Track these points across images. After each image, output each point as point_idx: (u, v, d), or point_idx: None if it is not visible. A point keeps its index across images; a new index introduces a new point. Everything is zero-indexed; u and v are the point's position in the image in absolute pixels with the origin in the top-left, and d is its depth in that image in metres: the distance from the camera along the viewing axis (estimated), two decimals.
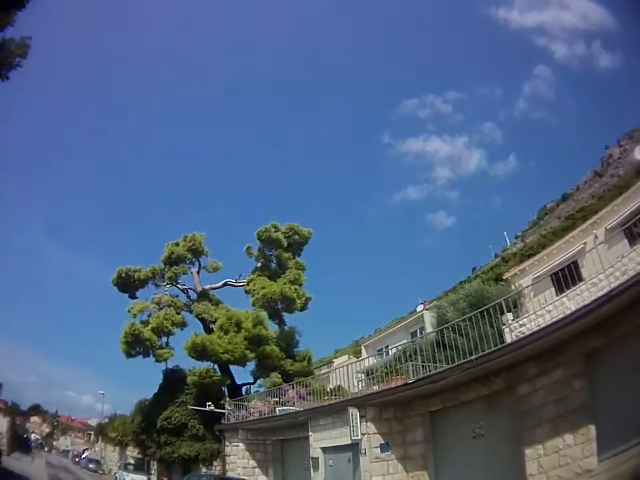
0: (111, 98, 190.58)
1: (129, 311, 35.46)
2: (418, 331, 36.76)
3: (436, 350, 20.20)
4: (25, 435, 65.46)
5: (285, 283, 35.54)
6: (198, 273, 39.32)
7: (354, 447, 18.02)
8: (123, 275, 37.71)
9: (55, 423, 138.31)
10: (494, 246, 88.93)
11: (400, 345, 25.77)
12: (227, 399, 30.68)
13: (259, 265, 38.06)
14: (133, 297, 37.86)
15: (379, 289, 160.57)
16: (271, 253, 38.02)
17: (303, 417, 21.77)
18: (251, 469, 25.83)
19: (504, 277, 31.64)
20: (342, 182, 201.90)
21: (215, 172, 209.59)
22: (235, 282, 39.83)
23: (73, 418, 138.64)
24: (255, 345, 32.21)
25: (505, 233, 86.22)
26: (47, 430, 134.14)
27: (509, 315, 18.27)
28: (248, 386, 36.20)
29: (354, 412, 18.06)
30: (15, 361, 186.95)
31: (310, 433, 20.84)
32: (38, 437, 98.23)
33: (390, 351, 34.11)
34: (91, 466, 56.55)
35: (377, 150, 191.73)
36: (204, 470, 30.89)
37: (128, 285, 38.13)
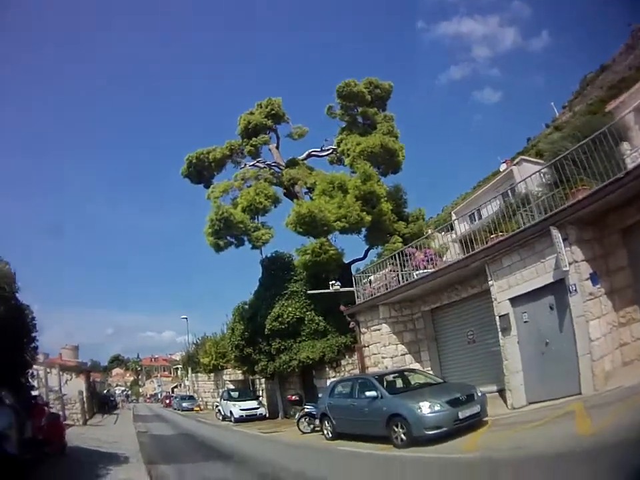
0: None
1: (209, 196, 29.76)
2: (509, 190, 31.73)
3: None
4: (105, 392, 61.92)
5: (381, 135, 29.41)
6: (277, 147, 33.96)
7: (556, 287, 13.46)
8: (194, 160, 32.12)
9: (139, 368, 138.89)
10: (543, 117, 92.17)
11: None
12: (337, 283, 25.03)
13: (345, 124, 32.09)
14: (208, 185, 32.11)
15: (443, 166, 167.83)
16: (354, 111, 31.83)
17: (477, 261, 16.00)
18: (400, 356, 20.49)
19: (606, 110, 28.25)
20: (387, 70, 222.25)
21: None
22: (320, 150, 34.30)
23: (155, 357, 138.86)
24: (369, 205, 26.21)
25: (552, 103, 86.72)
26: (131, 378, 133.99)
27: (625, 145, 15.53)
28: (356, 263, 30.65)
29: (557, 234, 12.84)
30: (88, 320, 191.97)
31: (491, 282, 15.42)
32: (123, 388, 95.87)
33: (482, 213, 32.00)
34: (184, 405, 52.88)
35: (413, 36, 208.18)
36: (332, 374, 25.50)
37: (201, 171, 32.64)
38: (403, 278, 20.75)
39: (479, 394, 13.88)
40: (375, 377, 15.91)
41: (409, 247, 22.05)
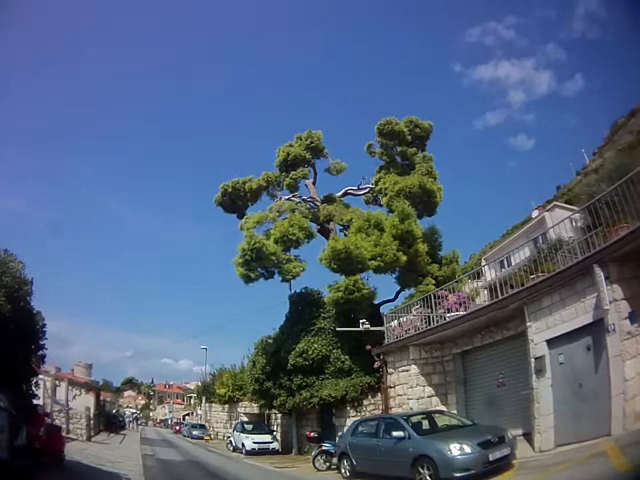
0: None
1: (242, 227, 29.42)
2: (540, 236, 34.21)
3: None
4: (114, 411, 62.04)
5: (420, 175, 29.43)
6: (314, 183, 33.74)
7: (594, 327, 13.07)
8: (229, 189, 32.46)
9: (151, 393, 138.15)
10: (574, 164, 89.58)
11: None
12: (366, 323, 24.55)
13: (384, 163, 32.14)
14: (242, 216, 32.00)
15: (474, 211, 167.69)
16: (393, 150, 31.97)
17: (516, 301, 15.65)
18: (426, 398, 20.14)
19: None
20: (424, 113, 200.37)
21: None
22: (357, 188, 34.09)
23: (170, 384, 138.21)
24: (405, 245, 25.91)
25: (583, 150, 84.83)
26: (142, 402, 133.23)
27: None
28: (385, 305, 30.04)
29: (599, 272, 12.48)
30: (108, 341, 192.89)
31: (529, 323, 15.08)
32: (133, 410, 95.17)
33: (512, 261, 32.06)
34: (195, 432, 52.27)
35: (451, 79, 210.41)
36: (353, 414, 25.00)
37: (235, 200, 32.87)
38: (434, 320, 20.47)
39: (510, 436, 13.57)
40: (403, 417, 15.52)
41: (441, 289, 21.86)
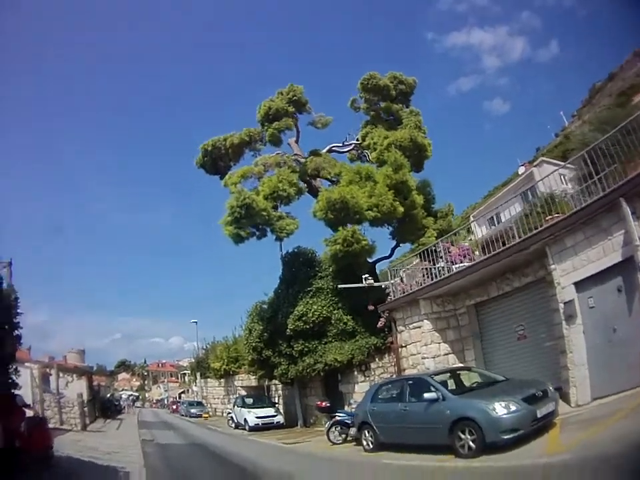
0: None
1: (227, 183, 27.66)
2: (529, 190, 30.83)
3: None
4: (109, 395, 59.59)
5: (411, 129, 27.75)
6: (297, 141, 31.75)
7: (624, 266, 11.98)
8: (210, 148, 30.21)
9: (145, 373, 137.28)
10: (552, 126, 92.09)
11: None
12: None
13: (369, 118, 30.47)
14: (224, 177, 29.86)
15: (453, 173, 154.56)
16: (378, 105, 30.23)
17: (538, 242, 14.16)
18: (443, 356, 18.49)
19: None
20: None
21: None
22: (342, 145, 32.09)
23: (163, 362, 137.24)
24: (400, 196, 24.22)
25: (562, 112, 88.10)
26: (137, 384, 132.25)
27: None
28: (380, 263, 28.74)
29: (626, 207, 11.62)
30: (96, 325, 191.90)
31: (553, 266, 13.73)
32: (130, 393, 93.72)
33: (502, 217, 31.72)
34: (192, 411, 50.56)
35: (423, 47, 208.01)
36: (361, 379, 23.51)
37: (217, 160, 30.71)
38: (438, 274, 19.02)
39: (552, 389, 12.14)
40: (430, 376, 13.74)
41: (441, 240, 20.53)
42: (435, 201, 29.91)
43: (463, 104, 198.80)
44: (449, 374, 14.69)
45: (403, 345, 20.17)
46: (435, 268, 19.50)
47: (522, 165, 57.09)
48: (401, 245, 28.42)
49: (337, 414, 19.04)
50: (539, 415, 10.79)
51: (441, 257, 19.79)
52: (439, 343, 18.51)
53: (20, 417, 12.50)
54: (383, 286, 23.19)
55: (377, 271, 27.83)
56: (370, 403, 15.33)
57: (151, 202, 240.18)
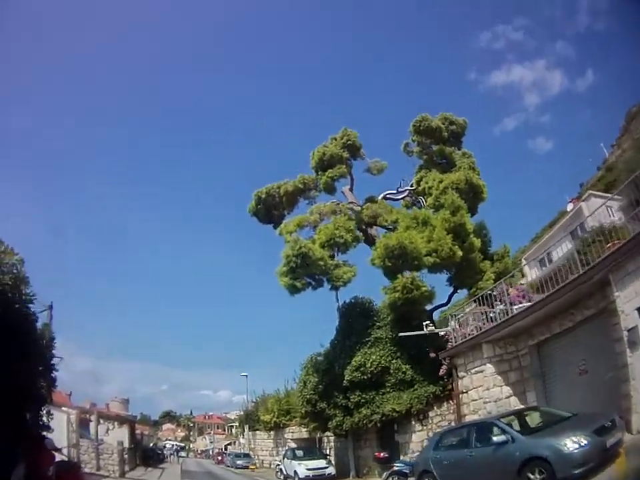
0: None
1: (282, 232, 27.70)
2: (578, 227, 32.96)
3: None
4: (152, 444, 60.09)
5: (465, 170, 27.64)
6: (351, 189, 31.66)
7: None
8: (264, 195, 30.70)
9: (191, 425, 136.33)
10: (593, 159, 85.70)
11: None
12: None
13: (422, 162, 30.48)
14: (278, 226, 30.12)
15: (500, 217, 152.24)
16: (430, 148, 30.18)
17: (601, 270, 13.64)
18: (504, 399, 17.87)
19: None
20: None
21: None
22: (396, 192, 32.09)
23: (210, 415, 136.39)
24: (458, 240, 23.89)
25: (602, 144, 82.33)
26: (182, 434, 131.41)
27: None
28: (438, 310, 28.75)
29: None
30: (144, 374, 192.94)
31: (617, 293, 13.12)
32: (174, 443, 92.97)
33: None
34: (239, 462, 49.55)
35: (467, 87, 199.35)
36: (418, 428, 22.76)
37: (270, 208, 31.15)
38: (496, 317, 18.83)
39: (618, 418, 11.75)
40: (498, 419, 13.33)
41: (499, 283, 20.33)
42: (491, 243, 29.45)
43: (507, 144, 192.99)
44: (513, 416, 14.23)
45: (464, 390, 19.73)
46: (493, 311, 19.23)
47: (570, 202, 54.93)
48: (458, 291, 28.05)
49: (395, 464, 18.64)
50: (607, 445, 10.46)
51: (499, 300, 19.43)
52: (501, 386, 18.01)
53: (48, 460, 12.20)
54: (442, 333, 22.66)
55: (434, 318, 27.34)
56: (433, 451, 14.94)
57: (210, 247, 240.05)
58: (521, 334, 18.06)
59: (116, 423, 37.22)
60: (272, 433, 47.27)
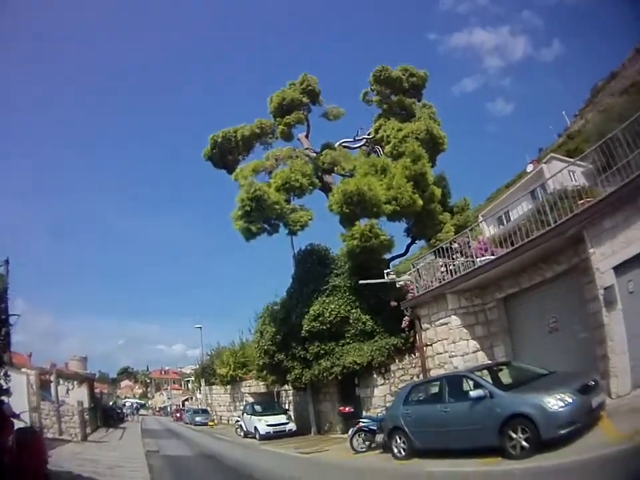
0: None
1: (237, 177, 26.08)
2: (538, 188, 32.54)
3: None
4: (112, 403, 58.53)
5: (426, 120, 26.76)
6: (307, 136, 30.51)
7: None
8: (219, 139, 28.98)
9: (148, 381, 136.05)
10: (554, 127, 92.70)
11: None
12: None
13: (382, 111, 29.22)
14: (232, 171, 28.27)
15: (457, 177, 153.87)
16: (390, 98, 28.97)
17: (574, 225, 13.15)
18: (472, 354, 17.32)
19: None
20: None
21: None
22: (353, 140, 30.98)
23: (166, 369, 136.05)
24: (419, 189, 23.03)
25: (564, 112, 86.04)
26: (140, 391, 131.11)
27: None
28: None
29: None
30: (100, 330, 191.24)
31: (591, 250, 12.66)
32: (134, 401, 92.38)
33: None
34: (198, 419, 48.80)
35: (426, 47, 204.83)
36: (380, 382, 22.00)
37: (226, 153, 29.45)
38: (460, 269, 18.28)
39: (599, 379, 11.33)
40: (473, 372, 12.66)
41: (460, 234, 20.14)
42: (450, 196, 28.80)
43: (466, 105, 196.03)
44: (486, 370, 13.34)
45: (429, 343, 19.00)
46: (454, 264, 18.72)
47: (530, 163, 55.75)
48: (416, 241, 27.54)
49: (360, 420, 17.73)
50: (593, 405, 10.08)
51: (461, 252, 19.03)
52: (467, 340, 17.34)
53: (7, 428, 10.58)
54: (402, 282, 21.87)
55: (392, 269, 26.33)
56: (402, 406, 14.05)
57: (154, 204, 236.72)
58: (488, 286, 17.40)
59: (75, 383, 35.68)
60: (229, 387, 46.39)
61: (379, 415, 17.51)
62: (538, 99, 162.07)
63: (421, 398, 13.92)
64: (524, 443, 9.88)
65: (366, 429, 16.99)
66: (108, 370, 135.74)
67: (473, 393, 11.28)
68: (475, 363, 16.32)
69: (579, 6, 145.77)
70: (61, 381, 33.03)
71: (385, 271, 20.93)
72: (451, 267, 18.77)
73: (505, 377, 13.07)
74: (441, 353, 18.17)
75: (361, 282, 21.97)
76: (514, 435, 10.08)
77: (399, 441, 13.82)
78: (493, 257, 16.69)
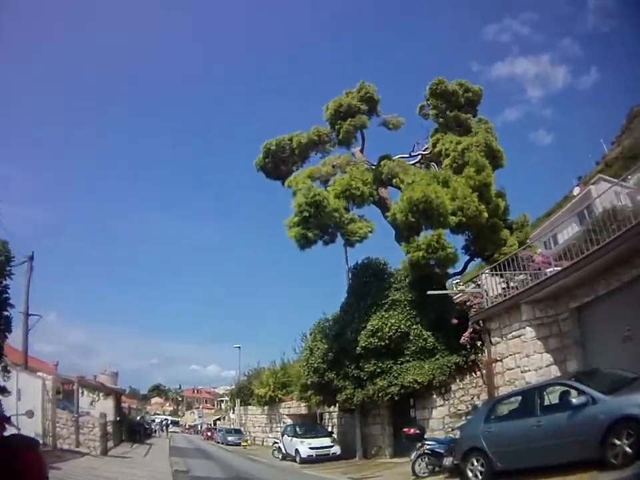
0: None
1: (291, 183, 24.96)
2: (585, 210, 32.67)
3: None
4: (139, 418, 57.50)
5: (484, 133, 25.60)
6: (362, 151, 28.95)
7: None
8: (273, 147, 27.85)
9: (179, 399, 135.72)
10: (592, 155, 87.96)
11: None
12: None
13: (437, 126, 27.74)
14: (285, 181, 27.26)
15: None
16: (446, 112, 27.47)
17: None
18: (545, 368, 15.81)
19: None
20: None
21: None
22: (409, 155, 29.34)
23: (198, 389, 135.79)
24: (482, 200, 21.73)
25: (602, 140, 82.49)
26: (170, 408, 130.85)
27: None
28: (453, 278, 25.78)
29: None
30: (134, 348, 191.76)
31: None
32: (164, 417, 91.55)
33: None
34: (230, 438, 47.23)
35: (469, 78, 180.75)
36: (439, 403, 20.53)
37: (279, 162, 28.29)
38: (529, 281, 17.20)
39: None
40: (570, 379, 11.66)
41: (521, 249, 19.55)
42: (509, 212, 27.00)
43: (508, 135, 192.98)
44: (574, 378, 11.89)
45: (499, 358, 17.64)
46: (514, 280, 18.08)
47: (577, 186, 54.81)
48: (475, 259, 25.86)
49: (426, 442, 16.17)
50: None
51: (524, 267, 17.96)
52: (542, 353, 15.95)
53: None
54: (467, 296, 20.80)
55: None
56: (484, 424, 12.63)
57: (200, 213, 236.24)
58: (561, 295, 16.00)
59: (101, 395, 34.48)
60: (266, 407, 45.12)
61: (447, 436, 16.25)
62: (577, 128, 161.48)
63: (506, 414, 12.58)
64: (627, 449, 8.82)
65: (431, 452, 15.58)
66: (139, 387, 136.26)
67: (575, 401, 10.11)
68: (548, 378, 14.89)
69: (614, 31, 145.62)
70: (86, 392, 31.89)
71: (454, 282, 19.59)
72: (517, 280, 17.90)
73: (599, 383, 11.32)
74: (511, 369, 16.84)
75: (429, 292, 20.64)
76: (617, 442, 9.04)
77: (475, 463, 12.38)
78: (568, 263, 15.38)
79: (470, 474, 12.41)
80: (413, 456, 16.19)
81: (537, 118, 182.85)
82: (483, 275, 19.73)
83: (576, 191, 51.04)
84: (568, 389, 10.96)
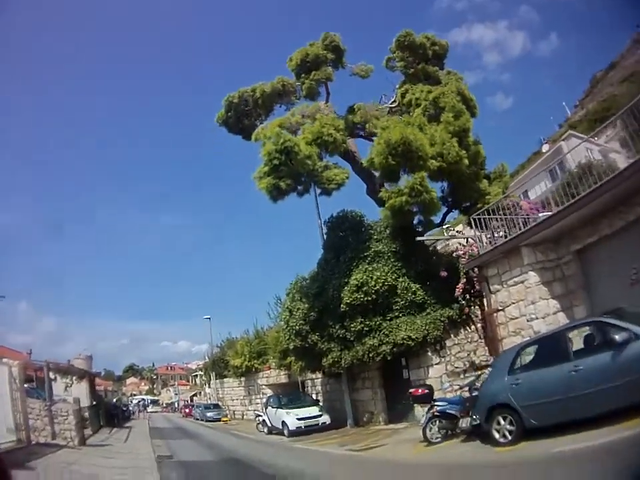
0: None
1: (258, 136, 22.64)
2: (556, 167, 32.53)
3: None
4: (115, 400, 56.05)
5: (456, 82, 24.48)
6: (326, 103, 26.50)
7: None
8: (235, 100, 25.72)
9: (154, 377, 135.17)
10: (555, 118, 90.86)
11: None
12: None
13: (407, 77, 26.26)
14: (249, 136, 25.17)
15: None
16: (414, 65, 26.07)
17: None
18: (552, 315, 14.63)
19: None
20: None
21: None
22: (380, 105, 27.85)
23: (172, 365, 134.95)
24: (461, 147, 20.22)
25: (564, 103, 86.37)
26: (146, 387, 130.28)
27: None
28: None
29: None
30: (104, 330, 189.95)
31: None
32: (140, 397, 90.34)
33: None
34: (209, 414, 46.12)
35: None
36: (435, 361, 19.15)
37: (242, 115, 26.25)
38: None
39: None
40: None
41: (505, 196, 18.76)
42: (485, 162, 25.43)
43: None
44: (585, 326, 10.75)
45: (500, 308, 16.19)
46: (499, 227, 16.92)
47: (545, 143, 54.55)
48: (453, 210, 24.15)
49: (436, 403, 14.44)
50: None
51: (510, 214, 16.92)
52: (548, 299, 14.71)
53: None
54: (455, 246, 19.35)
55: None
56: (508, 376, 11.11)
57: (154, 200, 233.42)
58: (561, 238, 14.93)
59: (73, 378, 32.10)
60: (243, 379, 43.70)
61: (459, 394, 14.72)
62: (538, 92, 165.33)
63: (534, 362, 11.06)
64: None
65: (441, 414, 13.94)
66: (114, 369, 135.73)
67: (618, 337, 8.86)
68: (557, 326, 13.50)
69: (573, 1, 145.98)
70: (58, 378, 29.51)
71: (444, 227, 18.02)
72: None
73: (632, 319, 9.81)
74: (516, 318, 15.45)
75: (418, 238, 19.38)
76: None
77: (502, 422, 10.86)
78: (569, 203, 13.89)
79: (497, 435, 10.96)
80: (423, 420, 14.54)
81: (495, 83, 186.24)
82: (473, 219, 18.09)
83: (545, 147, 51.07)
84: (591, 332, 10.05)
